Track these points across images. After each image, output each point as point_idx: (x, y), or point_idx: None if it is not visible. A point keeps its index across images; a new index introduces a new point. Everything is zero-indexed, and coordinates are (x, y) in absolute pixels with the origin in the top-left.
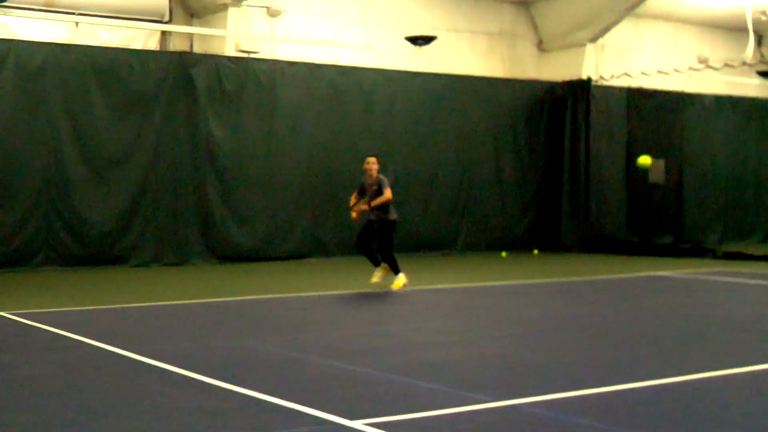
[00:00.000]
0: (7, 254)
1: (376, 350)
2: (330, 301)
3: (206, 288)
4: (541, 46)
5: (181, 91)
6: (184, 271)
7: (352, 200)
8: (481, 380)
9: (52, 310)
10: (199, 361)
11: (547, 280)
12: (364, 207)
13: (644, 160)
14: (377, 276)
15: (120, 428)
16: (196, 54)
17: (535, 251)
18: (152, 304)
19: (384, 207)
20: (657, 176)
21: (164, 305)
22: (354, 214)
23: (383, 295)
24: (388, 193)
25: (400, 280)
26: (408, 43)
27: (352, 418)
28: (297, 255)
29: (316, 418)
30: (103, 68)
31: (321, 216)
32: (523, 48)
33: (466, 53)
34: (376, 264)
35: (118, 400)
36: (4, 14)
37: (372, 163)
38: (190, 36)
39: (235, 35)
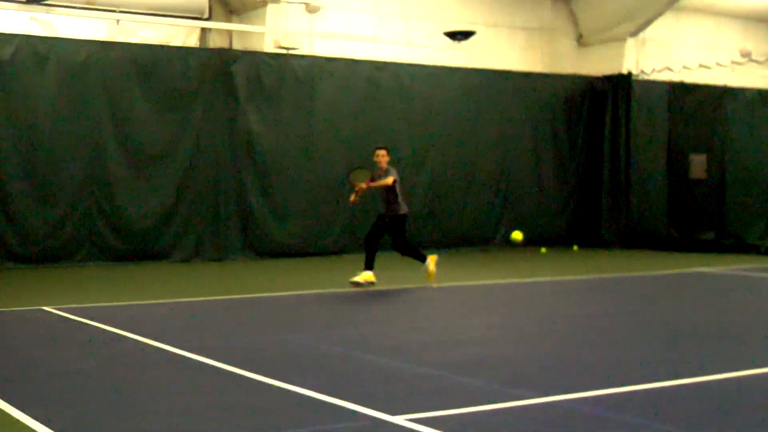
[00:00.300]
0: (51, 250)
1: (416, 346)
2: (368, 297)
3: (246, 284)
4: (581, 40)
5: (221, 87)
6: (224, 266)
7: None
8: (523, 376)
9: (96, 305)
10: (240, 356)
11: (588, 276)
12: (363, 185)
13: (516, 235)
14: (361, 277)
15: (164, 424)
16: (235, 50)
17: (575, 247)
18: (193, 299)
19: (393, 201)
20: (699, 172)
21: (205, 301)
22: (353, 197)
23: (421, 291)
24: (389, 180)
25: (430, 266)
26: (447, 39)
27: (393, 414)
28: (335, 251)
29: (358, 413)
30: (144, 65)
31: (359, 211)
32: (562, 43)
33: (505, 48)
34: (369, 267)
35: (162, 395)
36: (47, 12)
37: (381, 156)
38: (230, 33)
39: (274, 32)
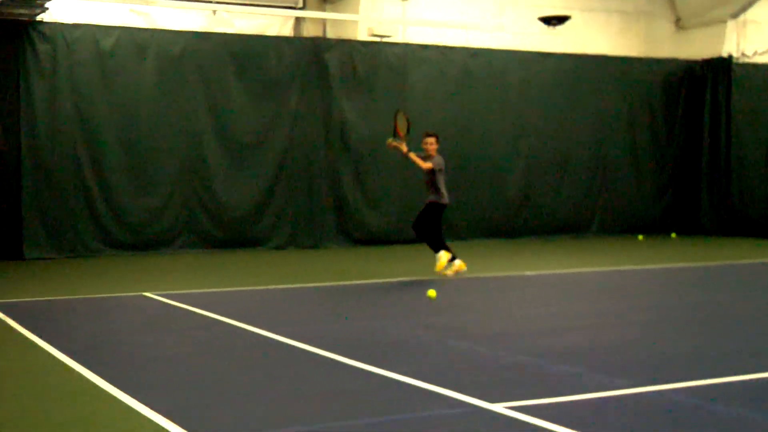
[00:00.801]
0: (150, 237)
1: (512, 334)
2: (462, 284)
3: (340, 271)
4: (678, 23)
5: (315, 76)
6: (318, 254)
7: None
8: (622, 365)
9: (195, 291)
10: (337, 343)
11: (687, 264)
12: (401, 146)
13: (431, 293)
14: (446, 264)
15: (262, 408)
16: (329, 39)
17: (673, 235)
18: (289, 286)
19: (433, 190)
20: None
21: (300, 287)
22: (391, 142)
23: (515, 279)
24: (426, 163)
25: (442, 258)
26: (541, 24)
27: (492, 401)
28: None
29: (456, 400)
30: (240, 55)
31: (452, 199)
32: (659, 26)
33: (601, 33)
34: (438, 249)
35: (263, 380)
36: (145, 4)
37: (430, 143)
38: (323, 21)
39: (368, 19)
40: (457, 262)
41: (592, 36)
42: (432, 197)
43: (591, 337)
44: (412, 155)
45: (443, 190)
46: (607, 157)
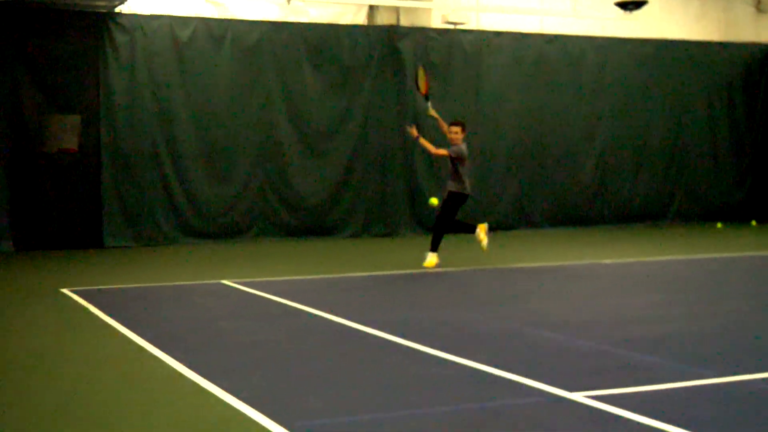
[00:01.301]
0: (226, 226)
1: (591, 322)
2: (539, 273)
3: (415, 259)
4: (759, 6)
5: (389, 64)
6: (393, 242)
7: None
8: (704, 355)
9: (271, 279)
10: (417, 331)
11: None
12: (413, 131)
13: (433, 201)
14: (482, 239)
15: (341, 396)
16: (403, 27)
17: (753, 222)
18: (364, 274)
19: (454, 179)
20: None
21: (375, 275)
22: (411, 130)
23: (592, 267)
24: (439, 150)
25: (432, 260)
26: (617, 9)
27: (572, 390)
28: (503, 226)
29: (535, 389)
30: (314, 44)
31: (527, 187)
32: (740, 9)
33: (679, 17)
34: (471, 230)
35: (342, 367)
36: None
37: (455, 132)
38: (397, 9)
39: (442, 7)
40: (432, 257)
41: (669, 20)
42: (454, 186)
43: (673, 326)
44: (423, 141)
45: (465, 179)
46: (685, 143)
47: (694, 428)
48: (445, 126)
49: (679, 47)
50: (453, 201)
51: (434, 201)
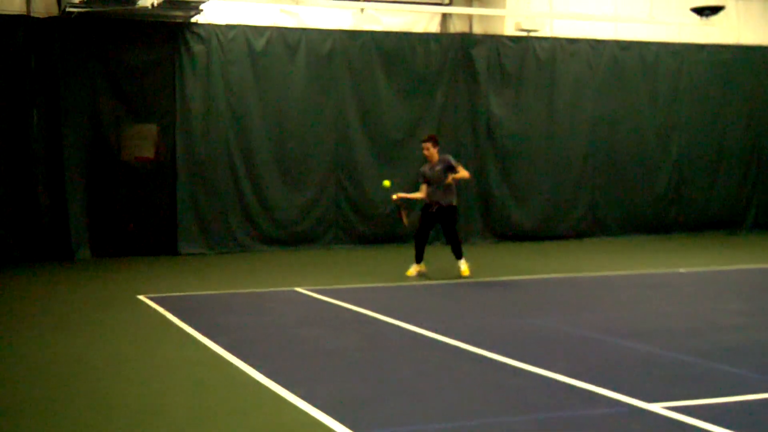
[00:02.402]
0: (299, 233)
1: (669, 331)
2: (613, 281)
3: (487, 267)
4: None
5: (462, 71)
6: (465, 250)
7: (420, 194)
8: None
9: (345, 286)
10: (489, 339)
11: None
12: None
13: (386, 183)
14: (413, 270)
15: (418, 404)
16: (476, 35)
17: None
18: (435, 282)
19: (447, 191)
20: None
21: (446, 284)
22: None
23: (668, 276)
24: (465, 173)
25: (465, 266)
26: (694, 14)
27: (650, 401)
28: (576, 234)
29: (613, 399)
30: (388, 52)
31: (601, 194)
32: None
33: (757, 22)
34: (419, 260)
35: (417, 375)
36: (295, 4)
37: (427, 148)
38: (470, 17)
39: (515, 14)
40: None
41: (747, 26)
42: (449, 199)
43: (751, 336)
44: (456, 176)
45: (454, 190)
46: (762, 151)
47: None
48: (417, 195)
49: (757, 53)
50: (450, 215)
51: (387, 183)
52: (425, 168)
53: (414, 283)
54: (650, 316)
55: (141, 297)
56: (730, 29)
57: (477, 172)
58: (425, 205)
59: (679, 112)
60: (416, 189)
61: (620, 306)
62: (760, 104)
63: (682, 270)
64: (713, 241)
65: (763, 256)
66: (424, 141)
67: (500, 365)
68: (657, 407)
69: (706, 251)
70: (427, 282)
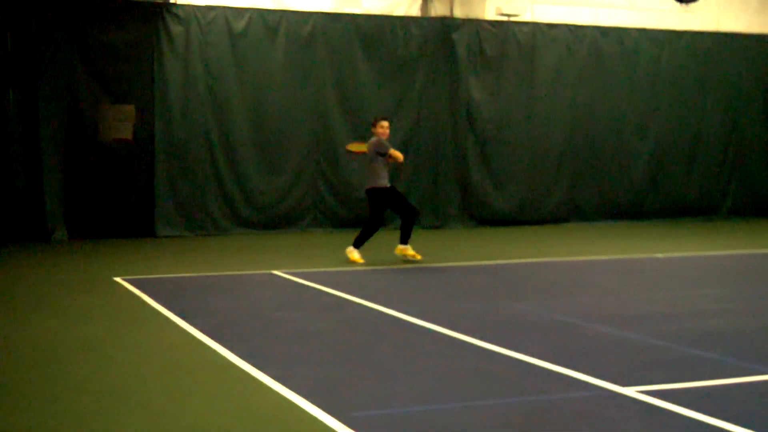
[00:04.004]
0: (278, 216)
1: (646, 316)
2: (591, 266)
3: (465, 251)
4: None
5: (442, 56)
6: (443, 234)
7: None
8: (758, 350)
9: (322, 269)
10: (467, 323)
11: None
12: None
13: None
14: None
15: (394, 387)
16: (456, 19)
17: None
18: (414, 266)
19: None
20: None
21: (426, 267)
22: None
23: (645, 262)
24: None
25: (355, 254)
26: (674, 1)
27: (624, 385)
28: (554, 219)
29: (588, 383)
30: (368, 35)
31: (580, 180)
32: None
33: (738, 10)
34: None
35: (394, 358)
36: None
37: (386, 127)
38: (451, 1)
39: None
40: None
41: (727, 13)
42: (385, 182)
43: (727, 321)
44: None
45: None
46: (740, 138)
47: (750, 425)
48: (364, 147)
49: (736, 41)
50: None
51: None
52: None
53: (392, 266)
54: (627, 301)
55: (117, 279)
56: (709, 16)
57: (456, 157)
58: (392, 187)
59: (657, 99)
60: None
61: (598, 291)
62: (738, 92)
63: (659, 255)
64: (690, 227)
65: (740, 241)
66: (386, 119)
67: (477, 349)
68: (632, 391)
69: (684, 237)
70: (406, 266)
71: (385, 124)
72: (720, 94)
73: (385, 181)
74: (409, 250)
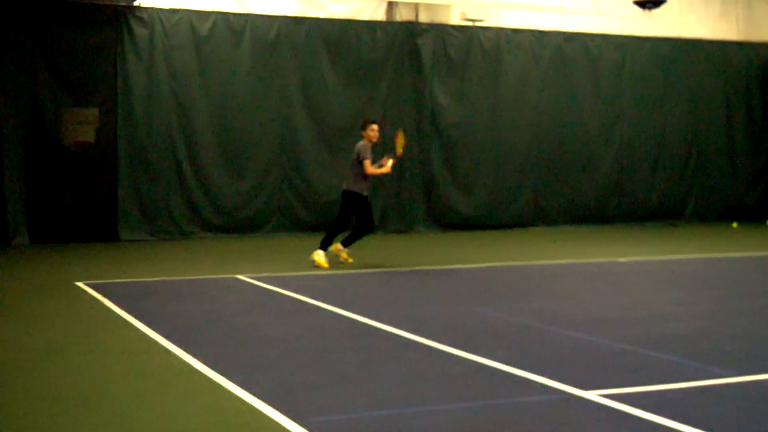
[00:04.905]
0: (242, 220)
1: (608, 320)
2: (554, 270)
3: (430, 256)
4: None
5: (407, 60)
6: (408, 238)
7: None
8: (719, 354)
9: (286, 274)
10: (430, 327)
11: None
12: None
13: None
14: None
15: (356, 392)
16: (422, 23)
17: None
18: (378, 270)
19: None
20: None
21: (390, 272)
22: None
23: (608, 266)
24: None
25: (320, 257)
26: (636, 7)
27: (585, 389)
28: (519, 223)
29: (549, 387)
30: (333, 39)
31: (544, 184)
32: (760, 8)
33: (699, 16)
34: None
35: (357, 363)
36: None
37: (377, 131)
38: (416, 6)
39: (461, 4)
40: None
41: (689, 19)
42: (364, 189)
43: (685, 324)
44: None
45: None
46: (702, 142)
47: (710, 428)
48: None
49: (698, 46)
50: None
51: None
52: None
53: (357, 271)
54: (590, 305)
55: (79, 284)
56: (672, 22)
57: (421, 161)
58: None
59: (621, 104)
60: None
61: (561, 295)
62: (700, 97)
63: (622, 259)
64: (653, 231)
65: (702, 246)
66: (377, 123)
67: (440, 353)
68: (592, 395)
69: (646, 241)
70: (370, 270)
71: (375, 127)
72: (682, 99)
73: (364, 189)
74: (344, 253)
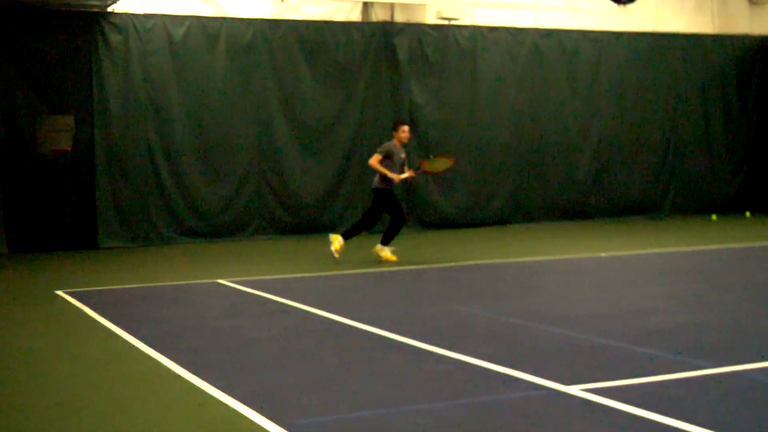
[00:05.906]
0: (222, 225)
1: (590, 315)
2: (536, 267)
3: (412, 255)
4: None
5: (384, 60)
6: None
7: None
8: (701, 346)
9: (267, 277)
10: (413, 327)
11: (762, 243)
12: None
13: None
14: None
15: (339, 393)
16: (397, 23)
17: (747, 214)
18: (361, 271)
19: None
20: None
21: (372, 272)
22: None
23: (589, 261)
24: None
25: (335, 241)
26: (612, 3)
27: (568, 383)
28: (499, 221)
29: (532, 383)
30: (309, 41)
31: (523, 181)
32: (733, 2)
33: (674, 11)
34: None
35: (340, 364)
36: None
37: (408, 131)
38: (392, 6)
39: (436, 3)
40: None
41: (664, 14)
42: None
43: (668, 318)
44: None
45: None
46: (680, 136)
47: (691, 420)
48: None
49: (674, 41)
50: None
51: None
52: (393, 149)
53: (338, 272)
54: (572, 301)
55: (59, 292)
56: (647, 17)
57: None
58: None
59: (598, 100)
60: (342, 176)
61: (542, 291)
62: (677, 91)
63: (603, 255)
64: (633, 225)
65: (681, 239)
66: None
67: (424, 352)
68: (575, 389)
69: (626, 236)
70: (352, 271)
71: (406, 128)
72: (659, 94)
73: (389, 184)
74: (386, 251)
